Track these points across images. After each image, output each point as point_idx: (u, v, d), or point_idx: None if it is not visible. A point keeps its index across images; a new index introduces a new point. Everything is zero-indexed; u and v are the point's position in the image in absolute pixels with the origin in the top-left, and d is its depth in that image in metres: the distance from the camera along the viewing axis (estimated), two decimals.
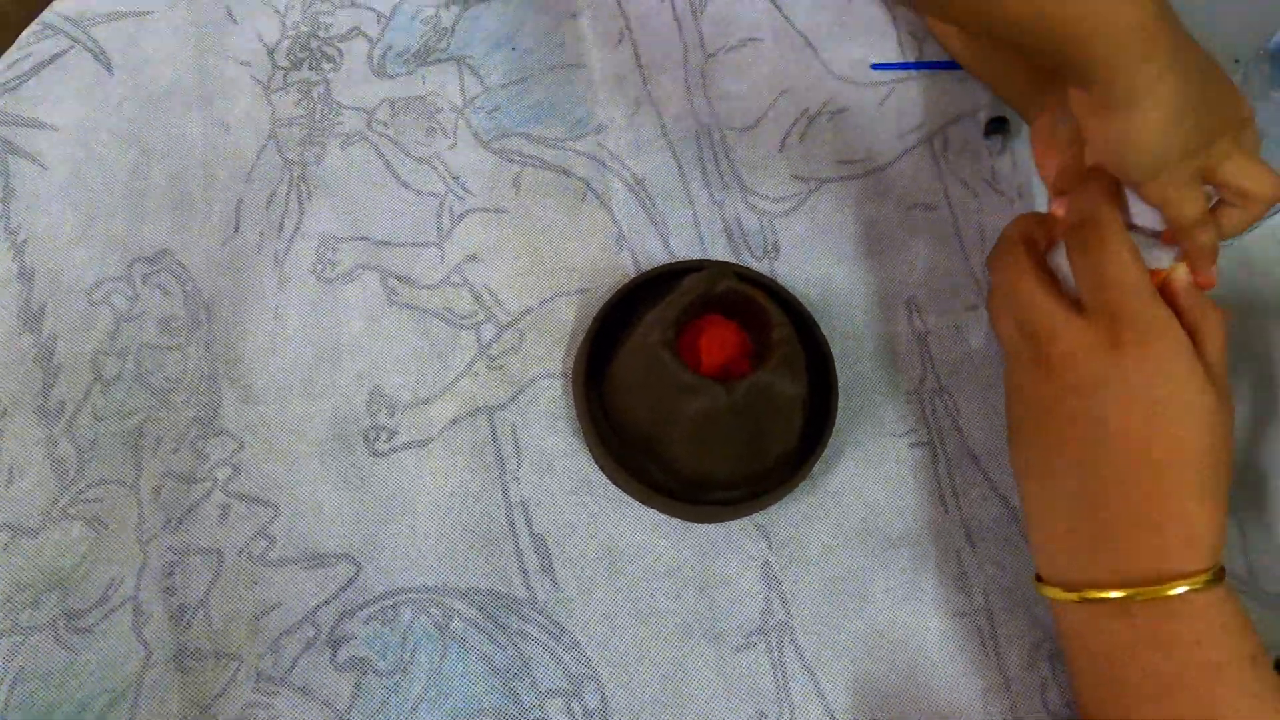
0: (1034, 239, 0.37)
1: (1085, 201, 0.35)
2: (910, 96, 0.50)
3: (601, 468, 0.40)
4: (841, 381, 0.43)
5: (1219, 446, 0.32)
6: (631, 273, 0.45)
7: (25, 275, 0.43)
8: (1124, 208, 0.36)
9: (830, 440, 0.41)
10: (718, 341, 0.36)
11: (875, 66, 0.50)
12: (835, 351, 0.43)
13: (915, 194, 0.48)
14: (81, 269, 0.43)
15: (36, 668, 0.37)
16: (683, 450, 0.38)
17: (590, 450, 0.41)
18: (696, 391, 0.34)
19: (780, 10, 0.52)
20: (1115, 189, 0.35)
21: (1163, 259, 0.35)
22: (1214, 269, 0.35)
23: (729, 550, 0.40)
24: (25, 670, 0.37)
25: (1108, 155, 0.33)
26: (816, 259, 0.46)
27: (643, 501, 0.40)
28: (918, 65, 0.50)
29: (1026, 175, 0.49)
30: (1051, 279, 0.35)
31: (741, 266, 0.44)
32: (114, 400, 0.41)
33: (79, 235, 0.44)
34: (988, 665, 0.39)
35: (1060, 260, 0.36)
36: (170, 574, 0.38)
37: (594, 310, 0.42)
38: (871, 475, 0.42)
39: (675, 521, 0.40)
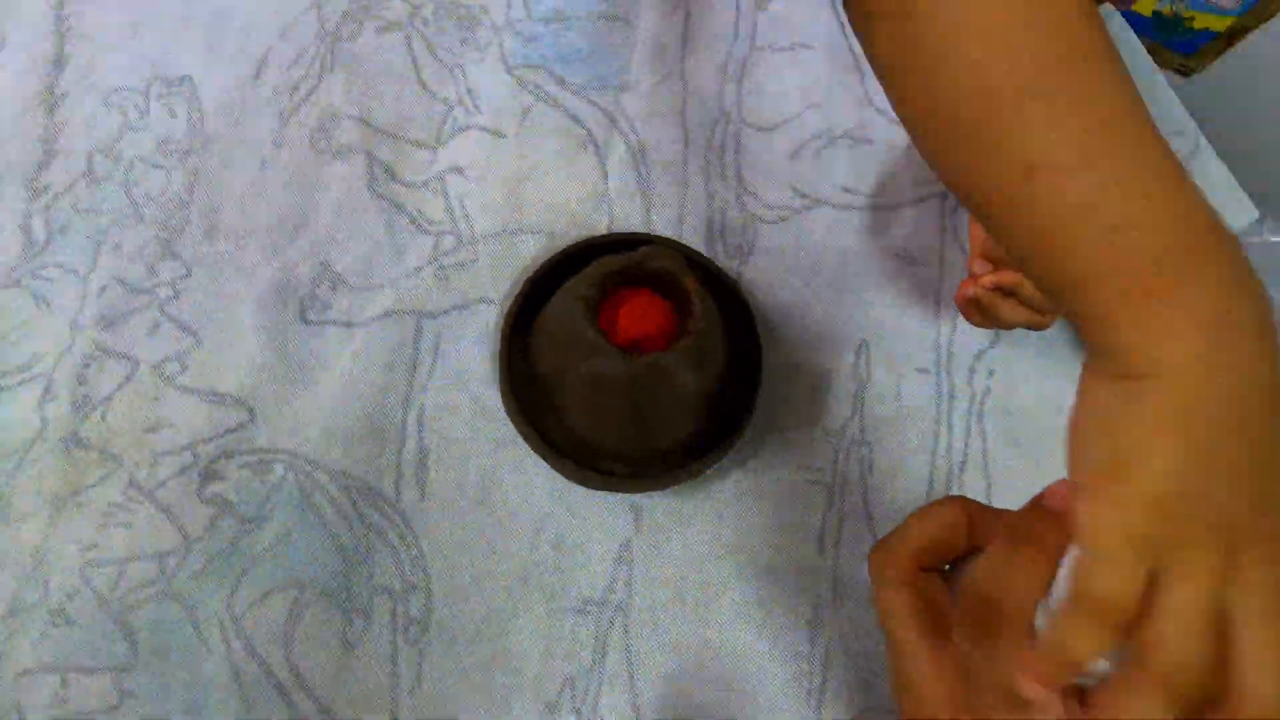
0: (938, 546, 0.27)
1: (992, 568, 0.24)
2: None
3: (504, 405, 0.41)
4: (765, 399, 0.42)
5: None
6: (603, 232, 0.45)
7: (60, 62, 0.46)
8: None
9: (732, 452, 0.41)
10: (637, 314, 0.36)
11: None
12: (771, 368, 0.43)
13: (908, 244, 0.47)
14: (108, 72, 0.46)
15: None
16: (575, 408, 0.38)
17: (500, 385, 0.41)
18: (596, 352, 0.34)
19: (842, 26, 0.51)
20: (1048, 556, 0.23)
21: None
22: None
23: (598, 518, 0.40)
24: None
25: (1072, 434, 0.23)
26: (785, 274, 0.45)
27: (533, 448, 0.40)
28: None
29: None
30: (924, 618, 0.25)
31: (706, 259, 0.44)
32: (95, 197, 0.44)
33: (118, 42, 0.47)
34: (806, 715, 0.38)
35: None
36: (87, 366, 0.41)
37: (551, 254, 0.43)
38: (762, 497, 0.41)
39: (555, 477, 0.41)
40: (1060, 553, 0.23)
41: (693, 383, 0.36)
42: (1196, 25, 0.97)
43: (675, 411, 0.37)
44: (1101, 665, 0.22)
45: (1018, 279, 0.35)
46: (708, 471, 0.41)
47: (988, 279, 0.36)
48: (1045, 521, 0.24)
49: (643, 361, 0.34)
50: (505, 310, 0.42)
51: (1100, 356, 0.23)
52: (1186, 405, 0.21)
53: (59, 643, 0.36)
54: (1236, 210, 0.49)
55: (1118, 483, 0.21)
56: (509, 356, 0.41)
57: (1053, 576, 0.23)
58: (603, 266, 0.36)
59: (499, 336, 0.41)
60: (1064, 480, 0.24)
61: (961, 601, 0.25)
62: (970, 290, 0.37)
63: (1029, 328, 0.39)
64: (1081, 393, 0.24)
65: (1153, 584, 0.21)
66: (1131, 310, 0.22)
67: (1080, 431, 0.23)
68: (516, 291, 0.42)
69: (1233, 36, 0.97)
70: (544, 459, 0.40)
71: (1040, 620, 0.23)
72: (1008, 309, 0.37)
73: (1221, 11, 0.95)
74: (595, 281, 0.35)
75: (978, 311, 0.39)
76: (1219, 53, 0.98)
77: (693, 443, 0.40)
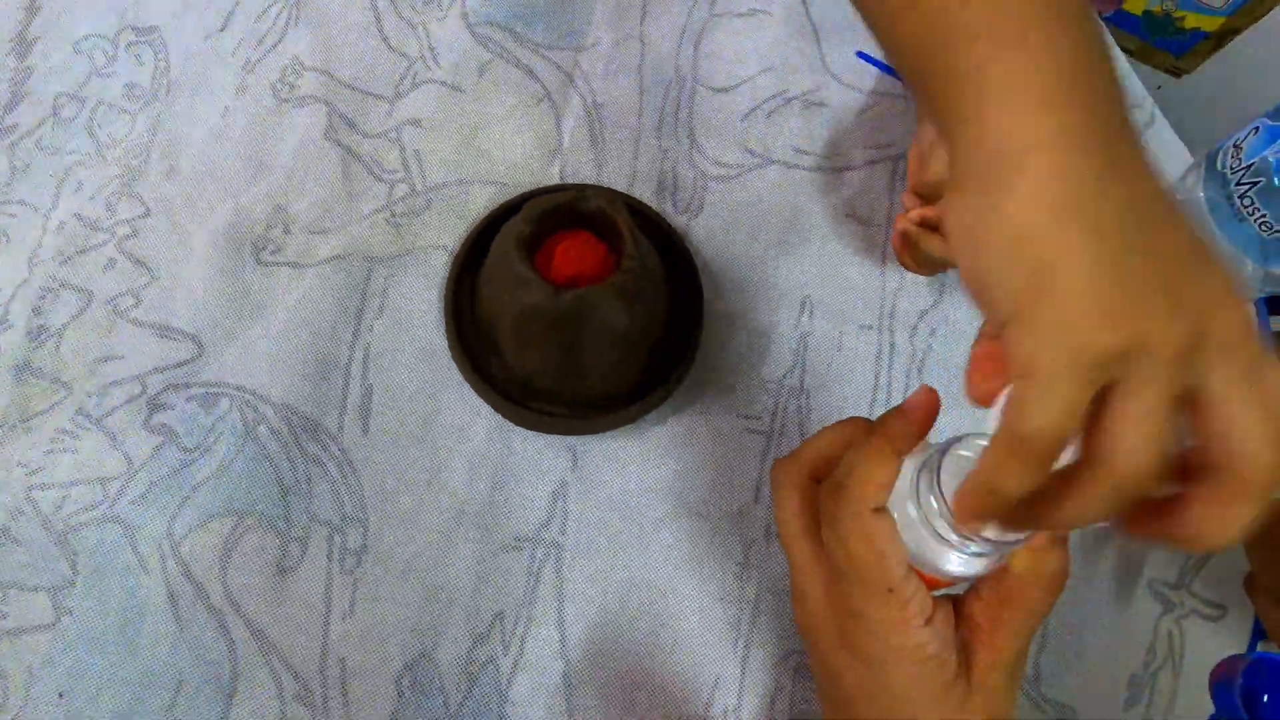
0: (831, 460, 0.28)
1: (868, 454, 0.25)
2: (893, 114, 0.49)
3: (449, 346, 0.42)
4: (707, 349, 0.43)
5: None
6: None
7: (33, 8, 0.47)
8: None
9: (671, 399, 0.41)
10: (574, 254, 0.37)
11: (860, 54, 0.49)
12: (713, 319, 0.43)
13: (857, 205, 0.47)
14: (80, 19, 0.47)
15: None
16: (511, 346, 0.39)
17: (445, 325, 0.42)
18: (527, 285, 0.35)
19: None
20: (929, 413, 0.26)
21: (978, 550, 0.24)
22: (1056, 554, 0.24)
23: (535, 458, 0.41)
24: None
25: (962, 266, 0.22)
26: (733, 231, 0.46)
27: (472, 386, 0.41)
28: (894, 71, 0.49)
29: None
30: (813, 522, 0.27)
31: (650, 208, 0.45)
32: (59, 137, 0.45)
33: None
34: (731, 656, 0.38)
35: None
36: (43, 297, 0.42)
37: (501, 202, 0.44)
38: (699, 442, 0.42)
39: (494, 418, 0.41)
40: (904, 444, 0.25)
41: (623, 320, 0.36)
42: (1187, 25, 0.97)
43: (606, 350, 0.38)
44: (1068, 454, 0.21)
45: (940, 212, 0.36)
46: (646, 417, 0.41)
47: (914, 213, 0.38)
48: (897, 417, 0.26)
49: (570, 294, 0.35)
50: (453, 258, 0.43)
51: (973, 171, 0.21)
52: (1080, 184, 0.19)
53: (1, 561, 0.37)
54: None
55: (1043, 297, 0.19)
56: (455, 299, 0.41)
57: (896, 468, 0.25)
58: (538, 205, 0.37)
59: (446, 279, 0.42)
60: (977, 344, 0.23)
61: (822, 492, 0.26)
62: (899, 224, 0.38)
63: (948, 266, 0.39)
64: (968, 230, 0.21)
65: (1109, 388, 0.19)
66: (998, 89, 0.20)
67: (981, 271, 0.21)
68: (465, 234, 0.43)
69: (1223, 37, 0.97)
70: (484, 398, 0.41)
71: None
72: (935, 243, 0.38)
73: (1212, 11, 0.96)
74: (530, 218, 0.36)
75: (907, 249, 0.40)
76: (1209, 53, 0.98)
77: (630, 388, 0.40)
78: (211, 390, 0.41)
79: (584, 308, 0.35)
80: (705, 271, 0.44)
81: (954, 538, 0.24)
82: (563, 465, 0.41)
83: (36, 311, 0.41)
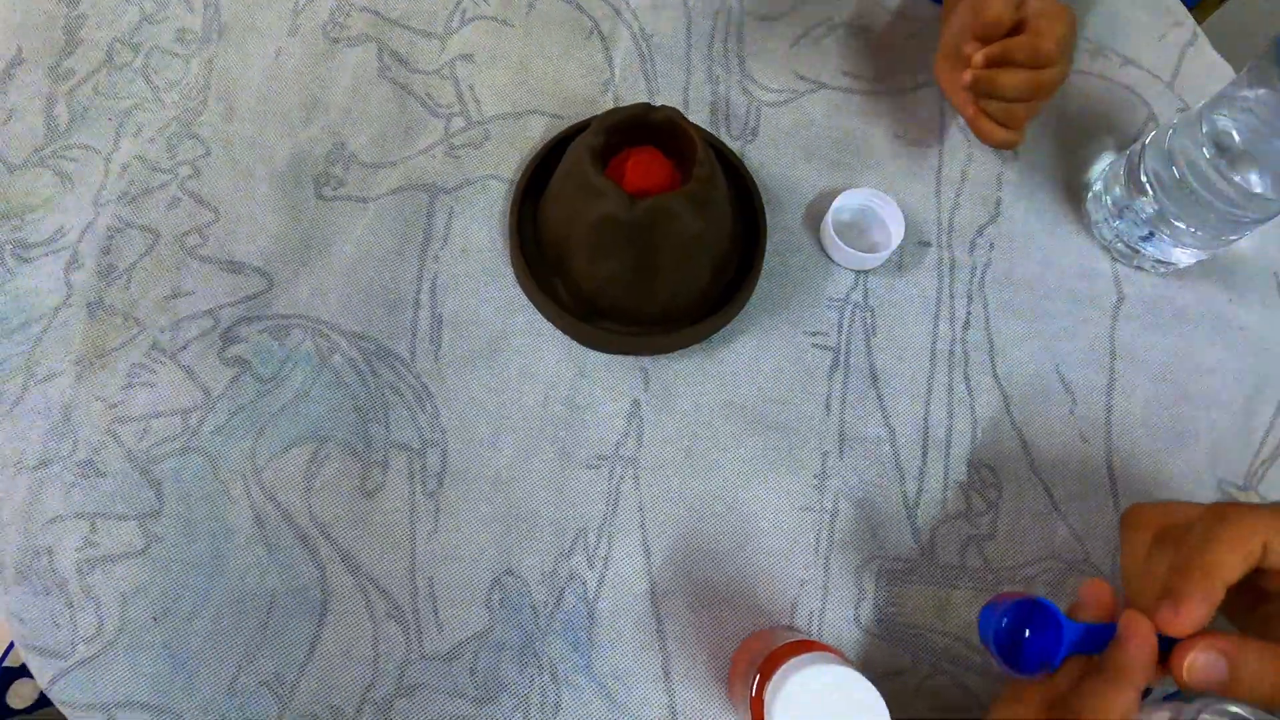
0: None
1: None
2: (936, 39, 0.49)
3: (515, 270, 0.42)
4: (769, 269, 0.43)
5: None
6: None
7: None
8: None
9: (736, 318, 0.42)
10: (643, 167, 0.37)
11: None
12: (773, 240, 0.44)
13: (909, 127, 0.47)
14: None
15: None
16: (581, 260, 0.39)
17: (509, 250, 0.42)
18: (603, 195, 0.35)
19: None
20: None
21: None
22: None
23: (607, 379, 0.41)
24: None
25: None
26: (788, 153, 0.46)
27: (540, 309, 0.41)
28: None
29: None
30: None
31: (709, 133, 0.45)
32: (115, 83, 0.45)
33: None
34: (814, 563, 0.39)
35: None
36: (111, 237, 0.42)
37: (561, 129, 0.44)
38: (767, 359, 0.42)
39: (563, 340, 0.41)
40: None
41: (697, 227, 0.37)
42: None
43: (676, 257, 0.38)
44: None
45: (1004, 45, 0.37)
46: (713, 337, 0.42)
47: (979, 55, 0.38)
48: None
49: (647, 203, 0.35)
50: (515, 179, 0.43)
51: None
52: None
53: (87, 492, 0.37)
54: None
55: None
56: (518, 224, 0.42)
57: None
58: (608, 118, 0.37)
59: (509, 203, 0.42)
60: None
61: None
62: (965, 79, 0.38)
63: (1026, 96, 0.39)
64: None
65: None
66: None
67: None
68: (526, 161, 0.43)
69: None
70: (551, 319, 0.41)
71: None
72: (1007, 76, 0.38)
73: None
74: (600, 130, 0.36)
75: (980, 102, 0.39)
76: (1217, 4, 0.99)
77: (699, 304, 0.41)
78: (283, 322, 0.41)
79: (660, 216, 0.35)
80: (764, 193, 0.44)
81: None
82: (635, 385, 0.41)
83: (105, 250, 0.41)
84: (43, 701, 0.61)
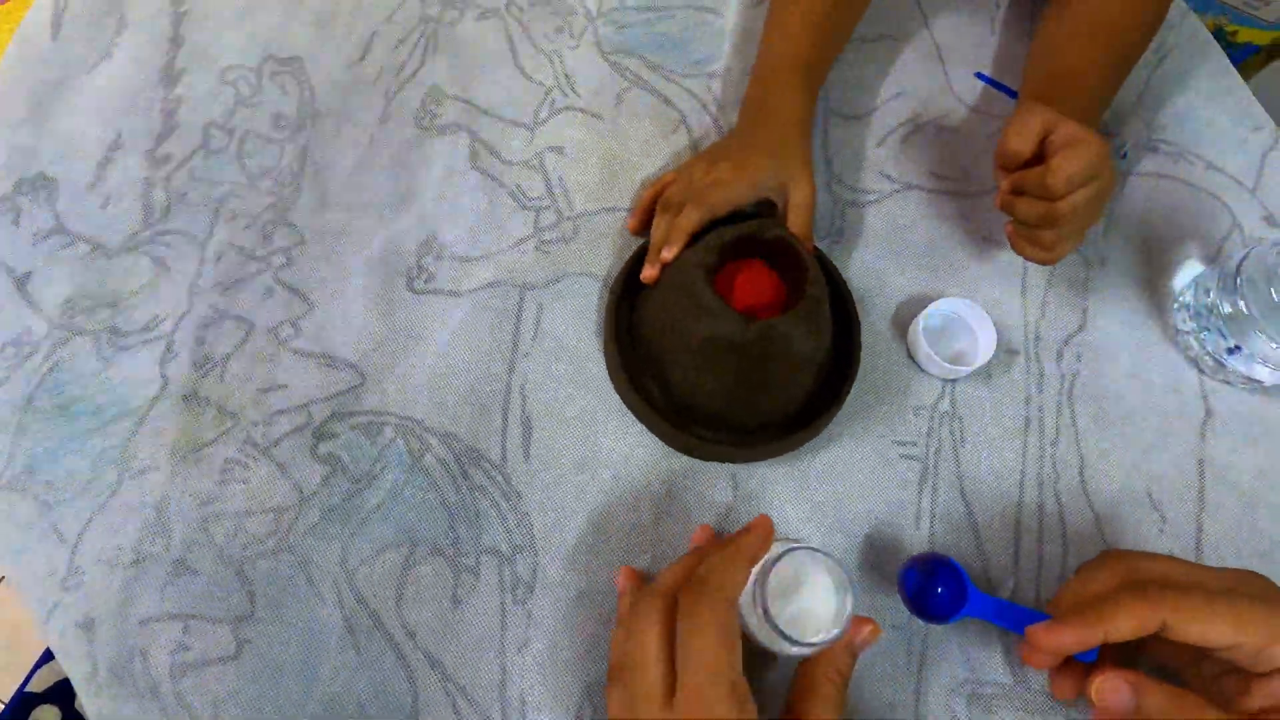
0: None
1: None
2: None
3: (610, 372, 0.42)
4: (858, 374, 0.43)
5: None
6: None
7: (177, 41, 0.48)
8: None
9: (827, 426, 0.42)
10: (754, 283, 0.37)
11: (978, 75, 0.50)
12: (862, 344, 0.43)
13: (995, 229, 0.47)
14: (224, 51, 0.48)
15: (73, 364, 0.41)
16: (684, 373, 0.39)
17: (604, 351, 0.42)
18: (715, 316, 0.35)
19: (924, 17, 0.52)
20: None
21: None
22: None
23: (696, 487, 0.41)
24: (63, 363, 0.41)
25: None
26: (875, 255, 0.46)
27: (632, 410, 0.41)
28: (1012, 93, 0.50)
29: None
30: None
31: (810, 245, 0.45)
32: (211, 168, 0.45)
33: (232, 23, 0.49)
34: (906, 683, 0.38)
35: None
36: (205, 327, 0.42)
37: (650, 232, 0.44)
38: (856, 468, 0.42)
39: (655, 445, 0.41)
40: (757, 552, 0.32)
41: (807, 348, 0.37)
42: (1239, 39, 0.98)
43: (786, 377, 0.38)
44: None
45: (1020, 177, 0.40)
46: (803, 446, 0.41)
47: (1005, 183, 0.41)
48: (748, 534, 0.32)
49: (760, 326, 0.35)
50: (611, 279, 0.43)
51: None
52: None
53: (181, 592, 0.37)
54: None
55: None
56: (615, 326, 0.42)
57: (749, 572, 0.32)
58: (721, 236, 0.37)
59: (606, 305, 0.42)
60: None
61: (684, 591, 0.31)
62: (997, 203, 0.42)
63: (1042, 224, 0.40)
64: None
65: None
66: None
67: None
68: (621, 263, 0.44)
69: (1274, 50, 0.97)
70: (646, 424, 0.41)
71: None
72: (1023, 205, 0.40)
73: (1264, 26, 0.96)
74: (714, 249, 0.37)
75: (1014, 226, 0.42)
76: (1261, 66, 0.99)
77: (794, 414, 0.41)
78: (375, 419, 0.41)
79: (774, 337, 0.35)
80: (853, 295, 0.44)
81: (783, 644, 0.31)
82: (725, 492, 0.41)
83: (200, 341, 0.42)
84: None
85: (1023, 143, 0.39)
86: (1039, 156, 0.39)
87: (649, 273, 0.41)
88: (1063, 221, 0.39)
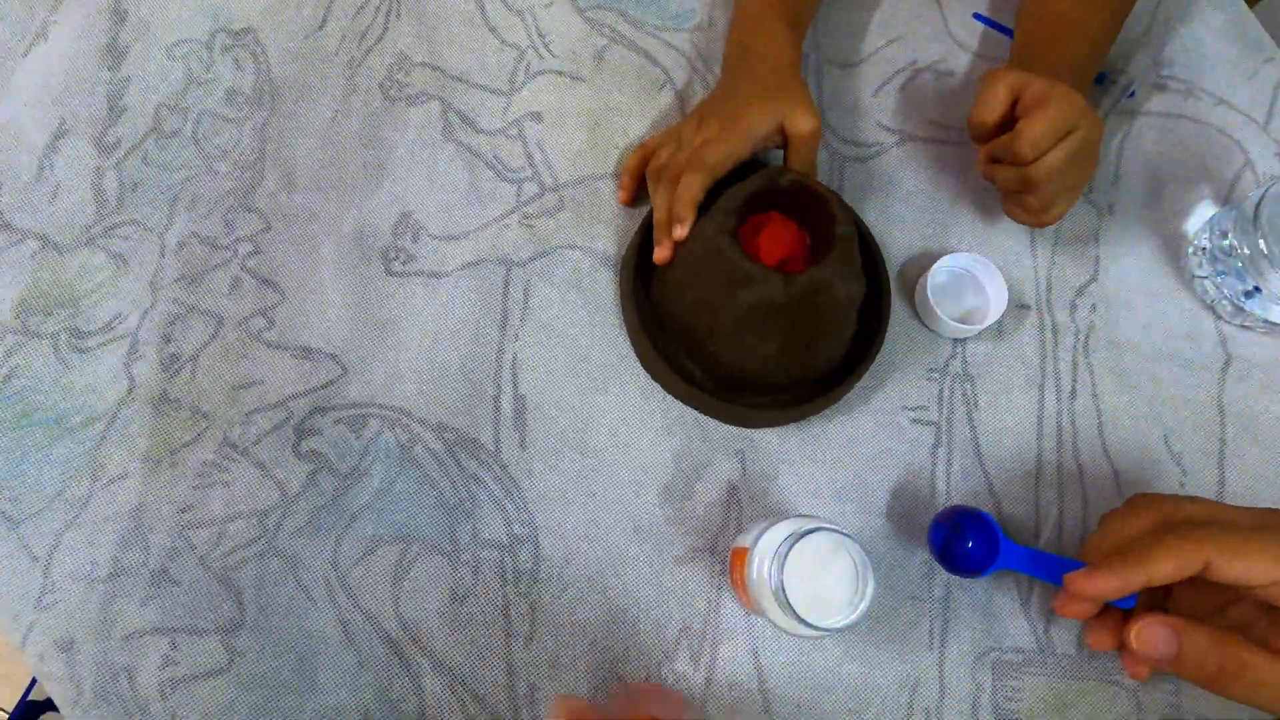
0: None
1: None
2: None
3: (640, 357, 0.39)
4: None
5: None
6: None
7: (119, 15, 0.45)
8: None
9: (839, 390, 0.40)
10: (777, 237, 0.35)
11: (976, 15, 0.47)
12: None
13: None
14: (170, 25, 0.44)
15: (32, 370, 0.38)
16: (726, 345, 0.36)
17: (631, 340, 0.40)
18: (755, 281, 0.33)
19: None
20: None
21: None
22: None
23: (701, 464, 0.39)
24: (20, 369, 0.38)
25: None
26: (877, 212, 0.44)
27: (675, 394, 0.39)
28: (1012, 34, 0.47)
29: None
30: None
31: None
32: (166, 152, 0.42)
33: None
34: (927, 656, 0.37)
35: None
36: (171, 324, 0.39)
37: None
38: (867, 438, 0.40)
39: (657, 420, 0.39)
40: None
41: (852, 290, 0.35)
42: None
43: (833, 325, 0.36)
44: None
45: (993, 145, 0.39)
46: (810, 416, 0.40)
47: (982, 152, 0.40)
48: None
49: (802, 280, 0.33)
50: (624, 266, 0.40)
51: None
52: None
53: (164, 604, 0.35)
54: None
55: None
56: (639, 313, 0.39)
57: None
58: (735, 196, 0.34)
59: (621, 295, 0.40)
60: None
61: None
62: (978, 169, 0.41)
63: (1019, 189, 0.39)
64: None
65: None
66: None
67: None
68: (625, 246, 0.41)
69: None
70: (694, 406, 0.39)
71: None
72: (999, 171, 0.39)
73: None
74: (732, 212, 0.34)
75: (999, 189, 0.41)
76: None
77: (839, 360, 0.38)
78: (359, 412, 0.39)
79: (818, 287, 0.33)
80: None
81: (798, 626, 0.30)
82: (732, 468, 0.39)
83: (166, 339, 0.39)
84: None
85: (989, 112, 0.38)
86: (1016, 119, 0.37)
87: (662, 254, 0.37)
88: (1041, 185, 0.37)
